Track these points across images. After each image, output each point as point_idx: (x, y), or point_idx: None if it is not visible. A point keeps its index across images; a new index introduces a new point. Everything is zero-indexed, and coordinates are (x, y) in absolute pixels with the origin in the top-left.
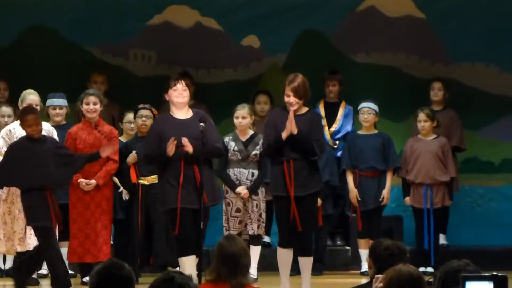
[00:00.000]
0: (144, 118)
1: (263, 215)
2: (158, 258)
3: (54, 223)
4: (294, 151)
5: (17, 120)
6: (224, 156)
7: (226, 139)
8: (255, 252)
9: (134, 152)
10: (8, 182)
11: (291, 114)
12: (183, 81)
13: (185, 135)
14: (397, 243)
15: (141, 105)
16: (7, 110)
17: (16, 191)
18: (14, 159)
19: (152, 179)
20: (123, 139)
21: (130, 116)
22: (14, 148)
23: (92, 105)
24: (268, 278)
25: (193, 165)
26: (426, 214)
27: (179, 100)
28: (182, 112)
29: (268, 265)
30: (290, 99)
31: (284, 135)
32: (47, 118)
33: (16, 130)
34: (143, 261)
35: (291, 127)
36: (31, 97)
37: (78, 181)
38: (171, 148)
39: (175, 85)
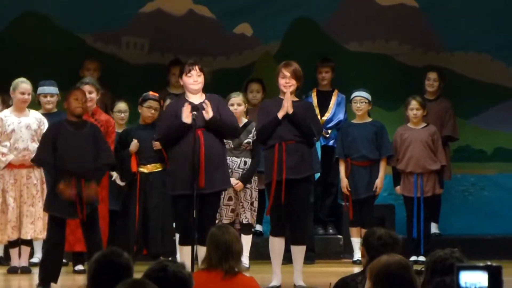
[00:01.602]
0: (153, 111)
1: (255, 204)
2: (153, 247)
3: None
4: (289, 133)
5: (6, 108)
6: None
7: None
8: (246, 241)
9: (135, 140)
10: None
11: (287, 94)
12: (197, 67)
13: (199, 119)
14: (390, 232)
15: (151, 94)
16: None
17: (9, 180)
18: None
19: (152, 167)
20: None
21: (120, 105)
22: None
23: (88, 94)
24: (260, 266)
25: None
26: (417, 202)
27: (194, 87)
28: (196, 97)
29: (260, 254)
30: (287, 80)
31: (280, 114)
32: (38, 106)
33: (8, 118)
34: (138, 250)
35: (287, 106)
36: (23, 85)
37: None
38: (187, 115)
39: (189, 71)
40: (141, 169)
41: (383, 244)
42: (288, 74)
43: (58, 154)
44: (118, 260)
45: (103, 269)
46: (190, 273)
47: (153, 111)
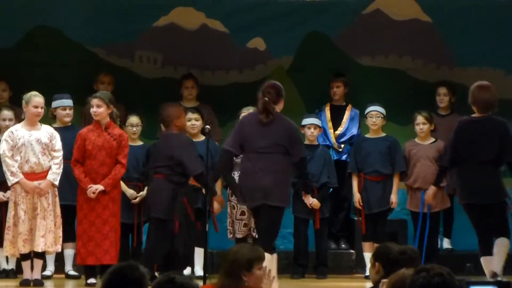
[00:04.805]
0: None
1: None
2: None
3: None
4: None
5: (18, 122)
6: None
7: None
8: None
9: None
10: None
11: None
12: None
13: None
14: (411, 247)
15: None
16: (8, 113)
17: (21, 192)
18: None
19: None
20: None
21: (132, 119)
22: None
23: (95, 107)
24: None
25: None
26: (422, 218)
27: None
28: None
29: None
30: None
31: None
32: (52, 120)
33: (18, 132)
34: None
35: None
36: (36, 99)
37: (88, 187)
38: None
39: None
40: None
41: (408, 258)
42: None
43: None
44: (131, 274)
45: (116, 281)
46: (198, 285)
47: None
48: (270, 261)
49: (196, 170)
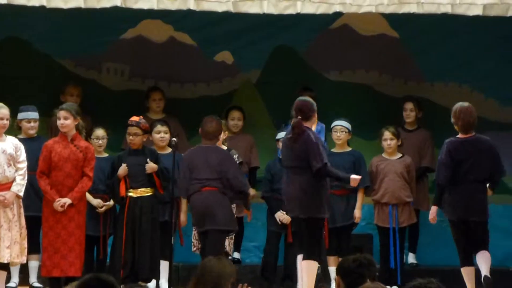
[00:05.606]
0: (131, 137)
1: None
2: (142, 272)
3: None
4: None
5: None
6: None
7: None
8: None
9: (124, 165)
10: None
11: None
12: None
13: None
14: (365, 254)
15: (130, 120)
16: None
17: None
18: None
19: (141, 191)
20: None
21: (98, 132)
22: None
23: (62, 119)
24: None
25: None
26: (392, 233)
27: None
28: None
29: (237, 281)
30: None
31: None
32: (17, 131)
33: None
34: (127, 275)
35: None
36: (2, 110)
37: (56, 200)
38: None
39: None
40: (130, 194)
41: (359, 265)
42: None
43: None
44: (104, 281)
45: (91, 284)
46: None
47: (131, 137)
48: (307, 267)
49: (245, 185)
